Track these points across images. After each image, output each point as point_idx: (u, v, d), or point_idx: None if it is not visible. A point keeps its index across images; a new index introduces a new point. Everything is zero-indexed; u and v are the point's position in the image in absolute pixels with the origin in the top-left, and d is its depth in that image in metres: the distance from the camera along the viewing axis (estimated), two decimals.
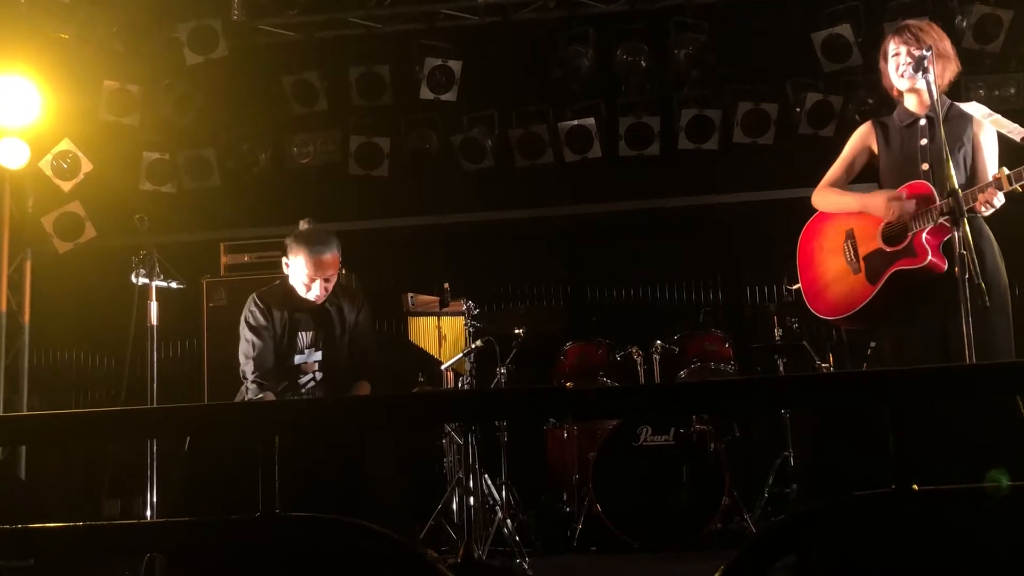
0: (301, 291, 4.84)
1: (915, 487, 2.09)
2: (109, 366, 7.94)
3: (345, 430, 3.29)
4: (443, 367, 5.73)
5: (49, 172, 7.37)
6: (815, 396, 2.14)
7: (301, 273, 4.80)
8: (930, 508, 2.10)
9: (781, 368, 6.29)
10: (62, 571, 2.71)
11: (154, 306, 4.68)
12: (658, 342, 6.13)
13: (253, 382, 4.79)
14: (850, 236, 4.24)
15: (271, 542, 2.26)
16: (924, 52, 3.98)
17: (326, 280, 4.82)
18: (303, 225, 4.92)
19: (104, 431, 2.45)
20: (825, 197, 4.39)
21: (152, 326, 4.67)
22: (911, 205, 4.01)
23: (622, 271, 7.71)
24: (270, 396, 4.73)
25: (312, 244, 4.77)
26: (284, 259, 4.88)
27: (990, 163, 4.14)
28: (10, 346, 7.51)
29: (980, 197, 3.86)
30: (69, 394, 7.95)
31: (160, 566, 3.34)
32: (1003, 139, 4.17)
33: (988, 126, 4.15)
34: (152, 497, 4.59)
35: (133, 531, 2.39)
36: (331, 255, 4.80)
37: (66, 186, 7.42)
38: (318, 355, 4.94)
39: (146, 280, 4.69)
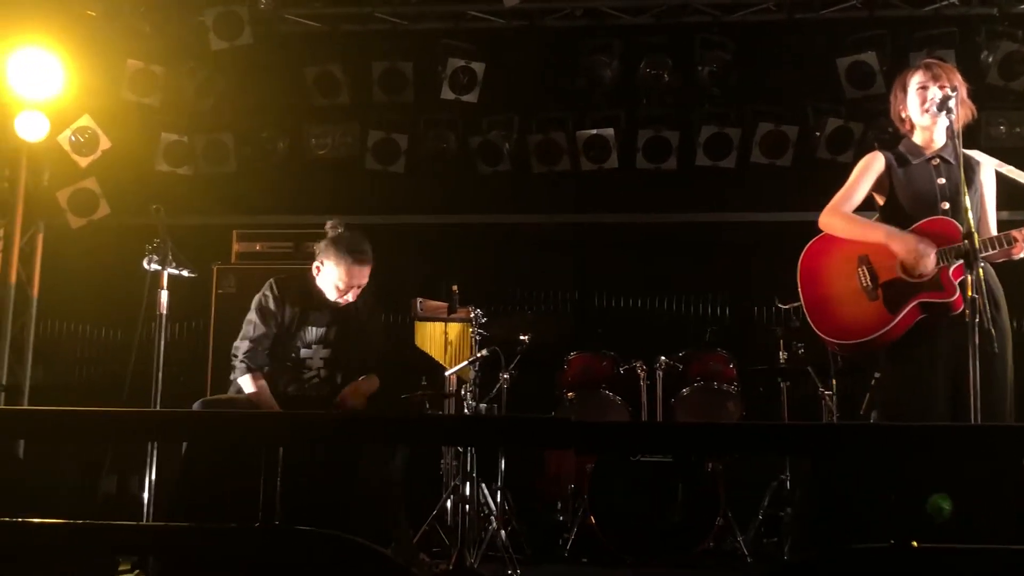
0: (331, 294, 4.85)
1: (914, 544, 2.08)
2: (114, 340, 7.96)
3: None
4: (447, 373, 5.73)
5: (67, 147, 7.38)
6: (819, 448, 2.13)
7: (336, 279, 4.81)
8: (929, 566, 2.09)
9: (784, 391, 6.27)
10: (55, 562, 2.71)
11: (165, 295, 4.68)
12: (662, 358, 6.12)
13: (241, 361, 4.80)
14: (864, 261, 4.20)
15: (268, 552, 2.26)
16: (951, 92, 3.99)
17: (359, 287, 4.84)
18: (331, 227, 4.91)
19: (102, 432, 2.46)
20: (841, 221, 4.29)
21: (162, 315, 4.67)
22: (931, 264, 4.00)
23: (631, 283, 7.71)
24: (261, 383, 4.73)
25: (354, 252, 4.79)
26: (316, 262, 4.88)
27: (990, 210, 4.23)
28: (17, 317, 7.51)
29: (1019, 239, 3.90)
30: (72, 367, 7.98)
31: (152, 563, 3.35)
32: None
33: (990, 175, 4.19)
34: (151, 475, 4.58)
35: (129, 533, 2.39)
36: (368, 265, 4.86)
37: (83, 162, 7.44)
38: (326, 352, 4.94)
39: (158, 267, 4.69)
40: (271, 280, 4.95)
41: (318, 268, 4.89)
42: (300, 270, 5.02)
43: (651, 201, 7.64)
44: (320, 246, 4.89)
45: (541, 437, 2.32)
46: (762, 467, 6.33)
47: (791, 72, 7.41)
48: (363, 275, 4.85)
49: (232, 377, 4.84)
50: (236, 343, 4.87)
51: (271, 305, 4.87)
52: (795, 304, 4.42)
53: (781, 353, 6.24)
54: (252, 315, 4.89)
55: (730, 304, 7.65)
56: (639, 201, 7.65)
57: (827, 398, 6.03)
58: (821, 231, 4.38)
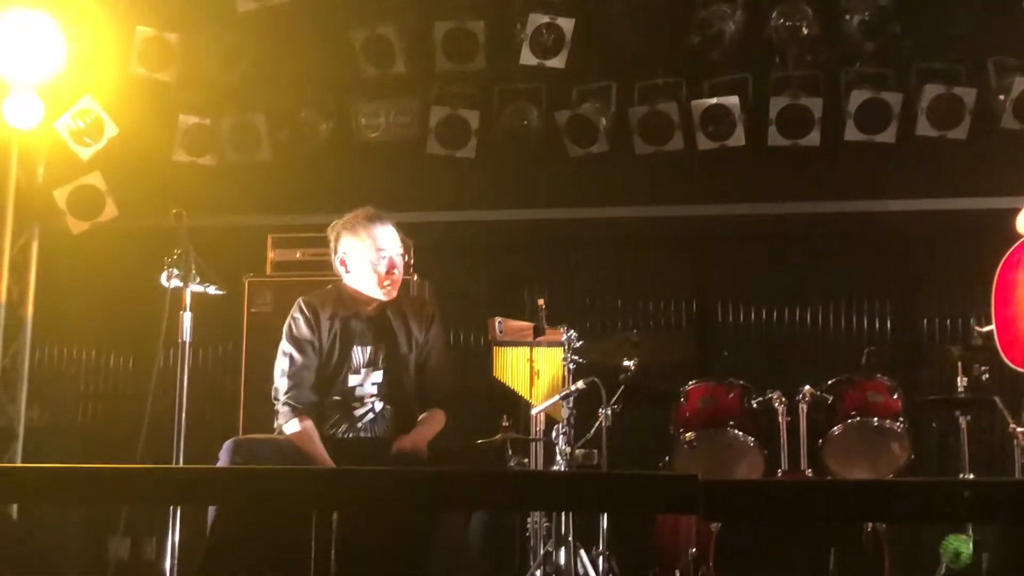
0: (371, 284, 4.94)
1: None
2: (126, 371, 8.14)
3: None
4: (534, 411, 5.75)
5: (65, 135, 7.56)
6: None
7: (368, 258, 4.91)
8: None
9: (963, 428, 6.17)
10: None
11: (188, 318, 4.78)
12: (807, 388, 6.03)
13: (284, 404, 4.88)
14: None
15: None
16: None
17: (398, 259, 4.96)
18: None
19: (118, 493, 2.52)
20: None
21: (184, 341, 4.77)
22: None
23: (765, 291, 7.67)
24: (307, 424, 4.81)
25: (371, 215, 4.97)
26: (336, 256, 4.98)
27: None
28: (8, 343, 7.70)
29: None
30: (76, 404, 8.16)
31: None
32: None
33: None
34: (173, 538, 4.69)
35: None
36: (393, 227, 5.00)
37: (85, 153, 7.62)
38: (377, 376, 5.01)
39: (180, 284, 4.79)
40: (299, 300, 5.06)
41: (343, 262, 5.00)
42: (330, 285, 5.11)
43: (788, 187, 7.59)
44: (333, 243, 5.03)
45: (656, 500, 2.32)
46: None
47: (967, 19, 7.31)
48: (393, 239, 4.97)
49: (276, 425, 4.92)
50: (274, 383, 4.96)
51: (304, 329, 4.96)
52: (991, 327, 4.36)
53: (959, 379, 6.13)
54: (285, 345, 4.98)
55: (892, 317, 7.54)
56: (773, 187, 7.60)
57: (1020, 436, 5.92)
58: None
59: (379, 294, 4.98)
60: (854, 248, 7.63)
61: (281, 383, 4.95)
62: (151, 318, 5.03)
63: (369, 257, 4.92)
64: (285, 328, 5.04)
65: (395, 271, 4.96)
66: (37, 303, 7.88)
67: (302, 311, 5.01)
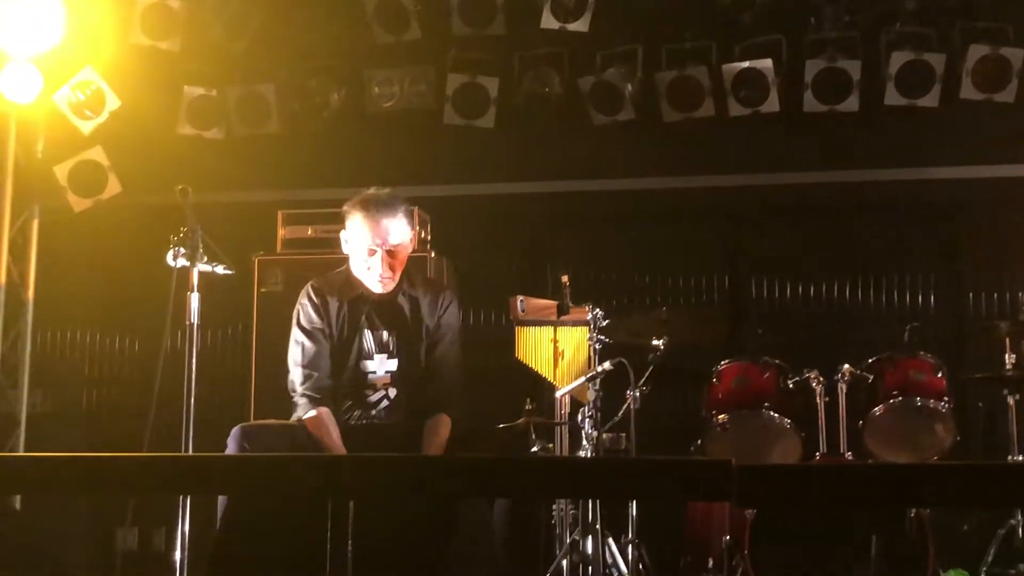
0: (361, 271, 4.94)
1: None
2: (132, 354, 8.17)
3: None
4: (558, 394, 5.75)
5: (65, 108, 7.58)
6: None
7: (360, 241, 4.93)
8: None
9: (1012, 407, 6.16)
10: None
11: (195, 298, 4.79)
12: (846, 366, 6.04)
13: (302, 395, 4.92)
14: None
15: None
16: None
17: (390, 254, 4.92)
18: None
19: (125, 482, 2.54)
20: None
21: (192, 323, 4.78)
22: None
23: (800, 264, 7.64)
24: (323, 410, 4.83)
25: (369, 203, 4.94)
26: (342, 233, 5.02)
27: None
28: (9, 327, 7.74)
29: None
30: (80, 390, 8.19)
31: None
32: None
33: None
34: (184, 527, 4.73)
35: None
36: (396, 219, 4.95)
37: (86, 127, 7.64)
38: (392, 364, 5.03)
39: (186, 263, 4.80)
40: (307, 286, 5.10)
41: (345, 242, 5.05)
42: (341, 268, 5.13)
43: (825, 155, 7.56)
44: (343, 211, 5.05)
45: (688, 487, 2.32)
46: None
47: None
48: (394, 228, 4.93)
49: (295, 417, 4.94)
50: (289, 376, 4.98)
51: (313, 316, 5.00)
52: None
53: (1007, 356, 6.12)
54: (296, 333, 5.03)
55: (936, 291, 7.51)
56: (809, 155, 7.58)
57: None
58: None
59: (374, 286, 4.99)
60: (895, 219, 7.61)
61: (296, 373, 4.98)
62: (157, 299, 5.04)
63: (363, 250, 4.94)
64: (294, 315, 5.08)
65: (379, 267, 4.95)
66: (38, 285, 7.92)
67: (310, 297, 5.05)
